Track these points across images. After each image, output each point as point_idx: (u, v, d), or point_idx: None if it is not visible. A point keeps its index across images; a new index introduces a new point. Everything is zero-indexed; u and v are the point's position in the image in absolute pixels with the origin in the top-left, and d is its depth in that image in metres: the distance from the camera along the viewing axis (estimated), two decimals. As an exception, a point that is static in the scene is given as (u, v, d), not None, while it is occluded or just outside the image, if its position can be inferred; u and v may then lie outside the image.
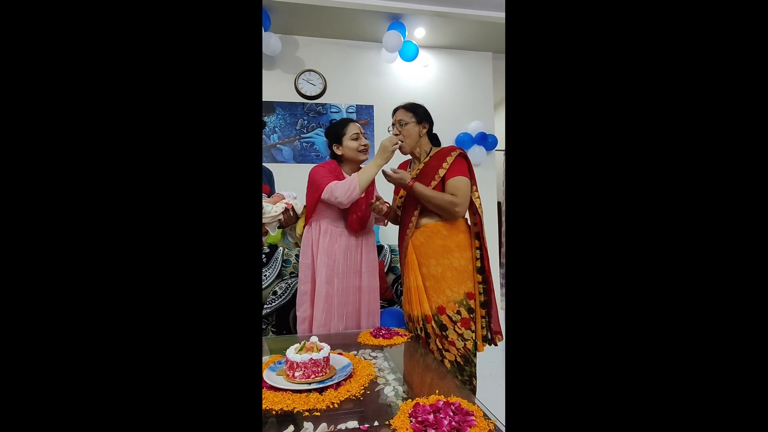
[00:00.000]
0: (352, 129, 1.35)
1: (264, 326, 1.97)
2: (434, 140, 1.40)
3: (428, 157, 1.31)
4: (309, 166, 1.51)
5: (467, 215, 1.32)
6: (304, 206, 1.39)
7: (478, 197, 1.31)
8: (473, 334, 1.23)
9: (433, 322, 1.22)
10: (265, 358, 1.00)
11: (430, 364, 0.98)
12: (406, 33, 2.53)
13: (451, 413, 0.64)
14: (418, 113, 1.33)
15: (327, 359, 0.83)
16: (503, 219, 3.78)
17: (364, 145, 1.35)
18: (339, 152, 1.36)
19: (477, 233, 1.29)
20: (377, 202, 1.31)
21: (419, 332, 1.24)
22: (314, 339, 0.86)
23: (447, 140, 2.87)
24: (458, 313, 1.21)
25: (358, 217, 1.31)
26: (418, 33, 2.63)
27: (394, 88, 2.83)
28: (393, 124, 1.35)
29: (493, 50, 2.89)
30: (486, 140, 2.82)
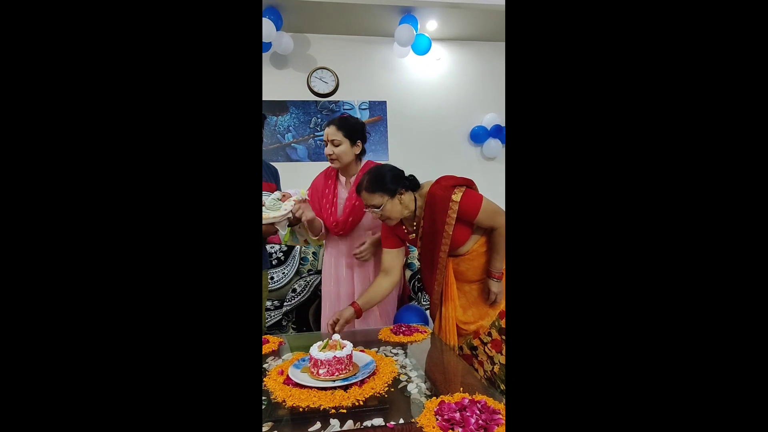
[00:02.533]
0: (326, 133, 1.31)
1: (284, 323, 2.00)
2: (413, 184, 1.15)
3: (422, 215, 1.14)
4: (323, 164, 1.51)
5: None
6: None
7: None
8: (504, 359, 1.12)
9: (464, 344, 1.21)
10: (289, 356, 1.01)
11: (452, 360, 0.98)
12: (419, 26, 2.50)
13: (478, 411, 0.63)
14: (386, 186, 1.08)
15: (350, 357, 0.83)
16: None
17: (330, 154, 1.31)
18: None
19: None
20: (362, 251, 1.31)
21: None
22: (336, 337, 0.87)
23: (462, 135, 2.84)
24: (489, 334, 1.18)
25: (332, 224, 1.37)
26: (431, 25, 2.60)
27: (407, 82, 2.81)
28: (367, 208, 1.12)
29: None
30: (502, 132, 2.78)
